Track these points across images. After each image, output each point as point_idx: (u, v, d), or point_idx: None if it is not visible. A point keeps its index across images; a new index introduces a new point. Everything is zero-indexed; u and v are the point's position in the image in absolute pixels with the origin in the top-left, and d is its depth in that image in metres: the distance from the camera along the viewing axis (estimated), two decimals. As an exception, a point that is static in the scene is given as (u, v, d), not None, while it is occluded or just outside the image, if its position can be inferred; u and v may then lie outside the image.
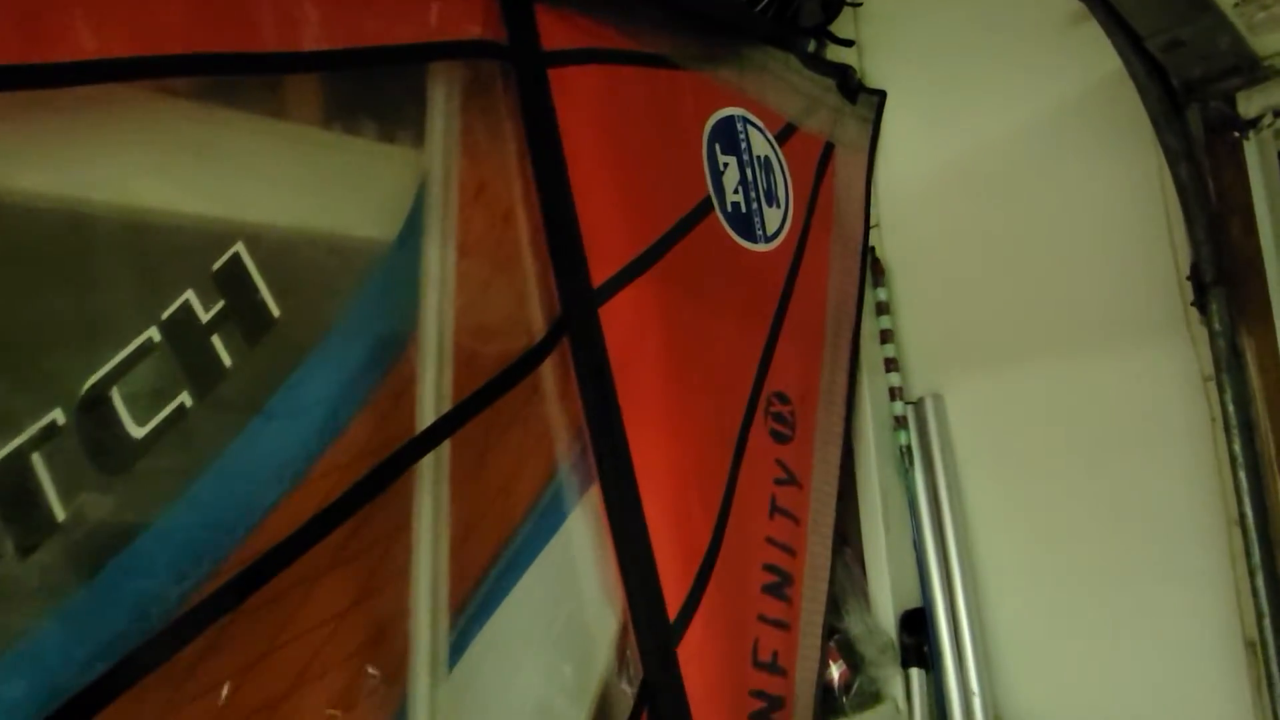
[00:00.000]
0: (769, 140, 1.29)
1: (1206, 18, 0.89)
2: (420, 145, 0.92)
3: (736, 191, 1.21)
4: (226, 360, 0.74)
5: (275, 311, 0.78)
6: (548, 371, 0.97)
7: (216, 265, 0.76)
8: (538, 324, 0.97)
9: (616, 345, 1.01)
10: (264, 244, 0.78)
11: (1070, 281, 1.26)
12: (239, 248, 0.77)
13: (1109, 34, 0.95)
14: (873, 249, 1.44)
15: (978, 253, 1.36)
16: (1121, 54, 0.97)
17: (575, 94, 1.02)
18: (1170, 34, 0.92)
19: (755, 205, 1.24)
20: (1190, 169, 1.01)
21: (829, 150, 1.40)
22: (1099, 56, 1.23)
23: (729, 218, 1.19)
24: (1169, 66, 0.97)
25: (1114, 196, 1.23)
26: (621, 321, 1.02)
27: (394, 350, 0.86)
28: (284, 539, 0.75)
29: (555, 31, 1.02)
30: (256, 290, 0.77)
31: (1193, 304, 1.06)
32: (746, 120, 1.25)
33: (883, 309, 1.41)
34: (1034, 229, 1.31)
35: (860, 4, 1.48)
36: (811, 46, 1.44)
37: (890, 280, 1.44)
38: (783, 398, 1.21)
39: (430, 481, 0.87)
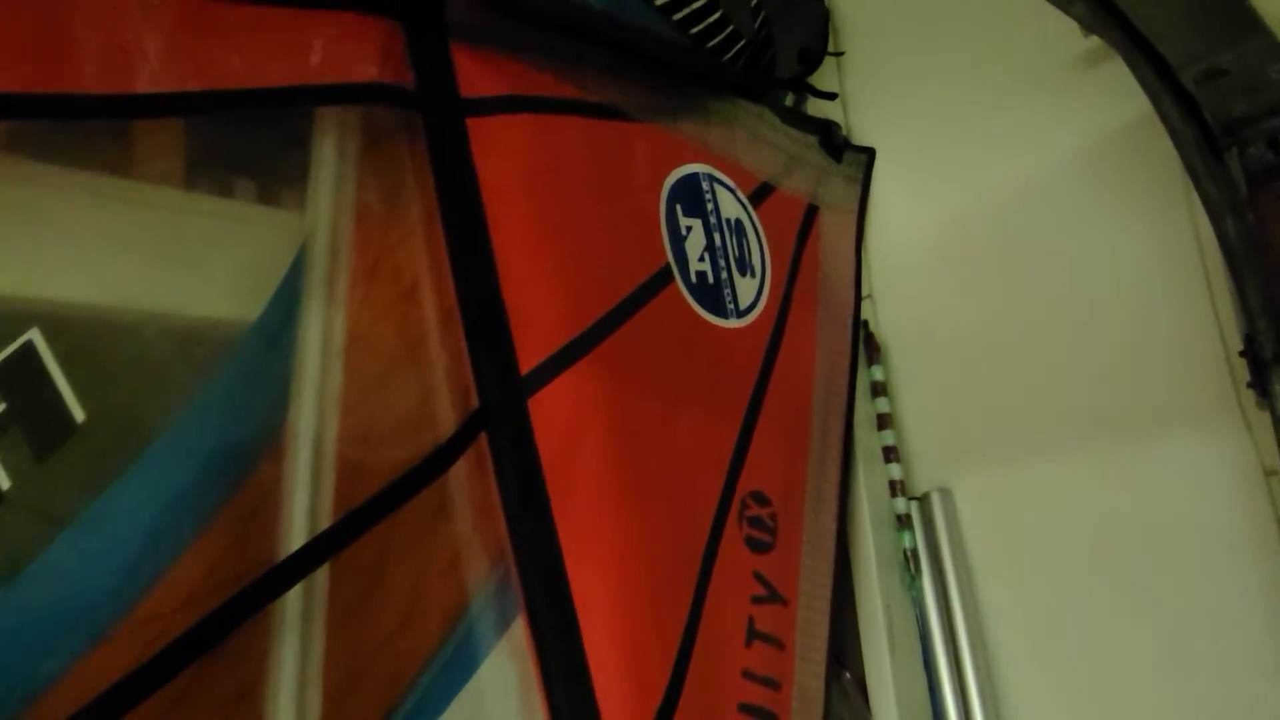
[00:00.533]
0: (741, 201, 1.13)
1: (1255, 39, 0.73)
2: (304, 208, 0.76)
3: (702, 259, 1.05)
4: (3, 481, 0.57)
5: (78, 415, 0.60)
6: (460, 478, 0.79)
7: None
8: (447, 421, 0.79)
9: (550, 443, 0.83)
10: (70, 329, 0.61)
11: (1096, 358, 1.08)
12: (33, 334, 0.60)
13: (1132, 65, 0.79)
14: (865, 323, 1.26)
15: (987, 326, 1.19)
16: (1148, 89, 0.81)
17: (500, 148, 0.87)
18: (1209, 61, 0.76)
19: (725, 275, 1.07)
20: (1239, 225, 0.84)
21: (812, 213, 1.24)
22: (1116, 101, 1.07)
23: (693, 289, 1.02)
24: (1205, 102, 0.81)
25: (1143, 259, 1.06)
26: (556, 414, 0.84)
27: (250, 458, 0.69)
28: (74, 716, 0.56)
29: (477, 76, 0.87)
30: (52, 388, 0.60)
31: (1249, 385, 0.88)
32: (713, 178, 1.10)
33: (879, 390, 1.23)
34: (1051, 299, 1.13)
35: (842, 54, 1.34)
36: (790, 100, 1.29)
37: (887, 358, 1.26)
38: (761, 499, 1.02)
39: (296, 625, 0.68)
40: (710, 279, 1.05)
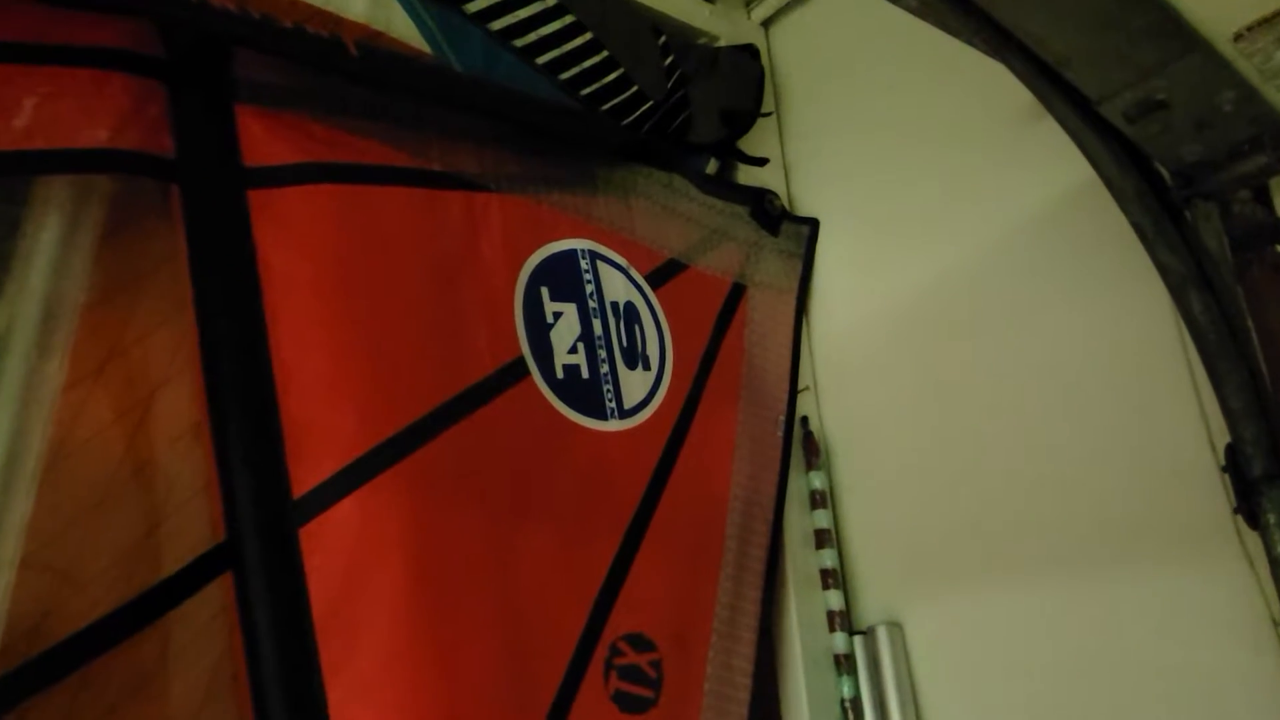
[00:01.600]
0: (635, 281, 0.97)
1: (1192, 59, 0.55)
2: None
3: (574, 350, 0.88)
4: None
5: None
6: (185, 634, 0.63)
7: None
8: (176, 558, 0.63)
9: (327, 583, 0.67)
10: None
11: (1070, 465, 0.88)
12: None
13: (1044, 101, 0.61)
14: (804, 420, 1.08)
15: (945, 424, 0.99)
16: (1070, 132, 0.63)
17: (290, 225, 0.73)
18: (1139, 90, 0.58)
19: (605, 369, 0.90)
20: (1204, 299, 0.64)
21: (737, 293, 1.07)
22: (1074, 155, 0.89)
23: (557, 386, 0.85)
24: (1146, 145, 0.63)
25: (1118, 342, 0.86)
26: (339, 546, 0.68)
27: None
28: None
29: (269, 141, 0.74)
30: None
31: (1235, 511, 0.67)
32: (597, 255, 0.94)
33: (819, 501, 1.04)
34: (1017, 392, 0.94)
35: (769, 114, 1.19)
36: (713, 167, 1.14)
37: (829, 461, 1.07)
38: (640, 642, 0.83)
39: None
40: (584, 373, 0.88)
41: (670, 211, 1.04)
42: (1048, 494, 0.89)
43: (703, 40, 1.20)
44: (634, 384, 0.92)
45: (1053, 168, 0.92)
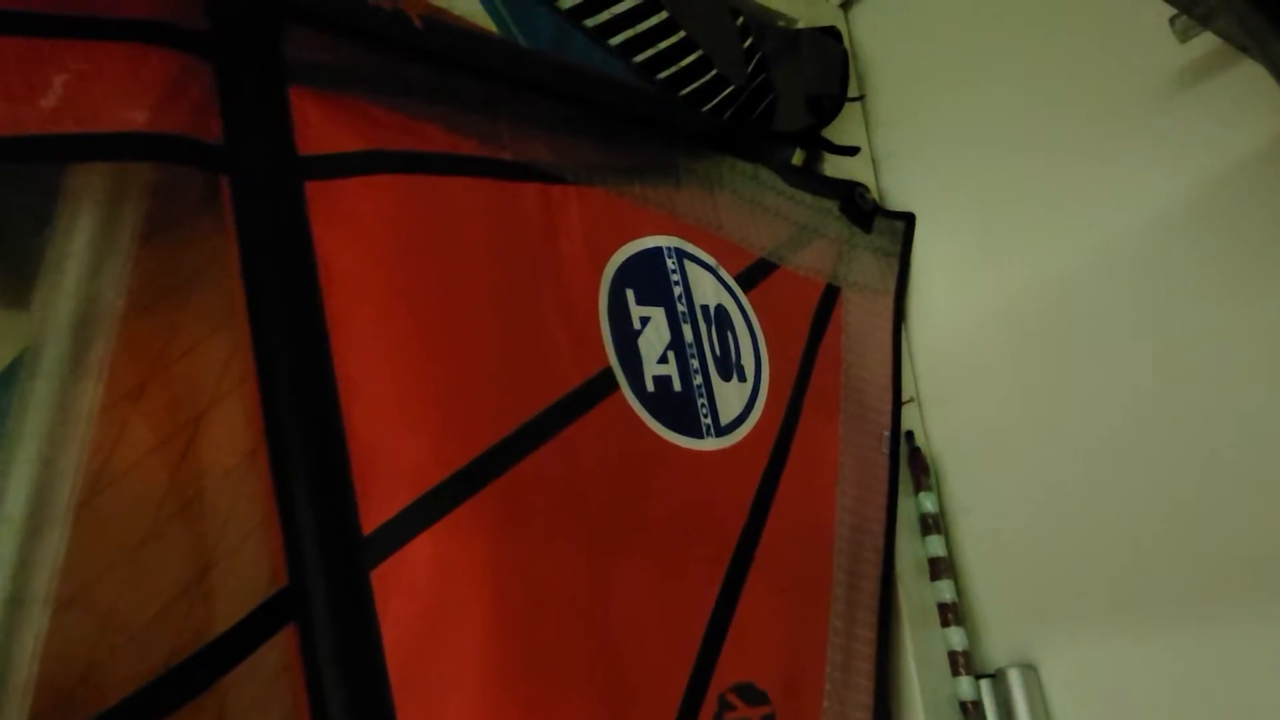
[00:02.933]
0: (725, 283, 0.87)
1: None
2: (29, 303, 0.54)
3: (664, 360, 0.78)
4: None
5: None
6: (245, 697, 0.53)
7: None
8: (233, 609, 0.54)
9: (403, 633, 0.57)
10: None
11: (1235, 485, 0.76)
12: None
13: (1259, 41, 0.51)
14: (909, 435, 0.97)
15: (1076, 438, 0.88)
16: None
17: (352, 220, 0.64)
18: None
19: (699, 380, 0.80)
20: None
21: (831, 295, 0.97)
22: (1227, 128, 0.78)
23: (649, 400, 0.76)
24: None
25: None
26: (415, 589, 0.58)
27: None
28: None
29: (326, 127, 0.65)
30: None
31: None
32: (684, 254, 0.84)
33: (930, 525, 0.93)
34: (1167, 401, 0.82)
35: (862, 98, 1.09)
36: (799, 158, 1.03)
37: (939, 482, 0.96)
38: (751, 694, 0.73)
39: None
40: (676, 386, 0.78)
41: (758, 206, 0.94)
42: (1208, 519, 0.78)
43: (781, 23, 1.10)
44: (730, 397, 0.82)
45: (1199, 146, 0.81)
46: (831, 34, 1.10)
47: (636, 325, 0.77)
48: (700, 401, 0.79)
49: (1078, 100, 0.93)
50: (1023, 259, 0.95)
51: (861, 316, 0.99)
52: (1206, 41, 0.78)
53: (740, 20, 1.00)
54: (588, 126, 0.81)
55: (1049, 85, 0.96)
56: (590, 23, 0.85)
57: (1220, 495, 0.77)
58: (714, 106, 0.94)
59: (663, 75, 0.91)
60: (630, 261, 0.79)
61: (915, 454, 0.96)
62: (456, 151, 0.71)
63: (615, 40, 0.87)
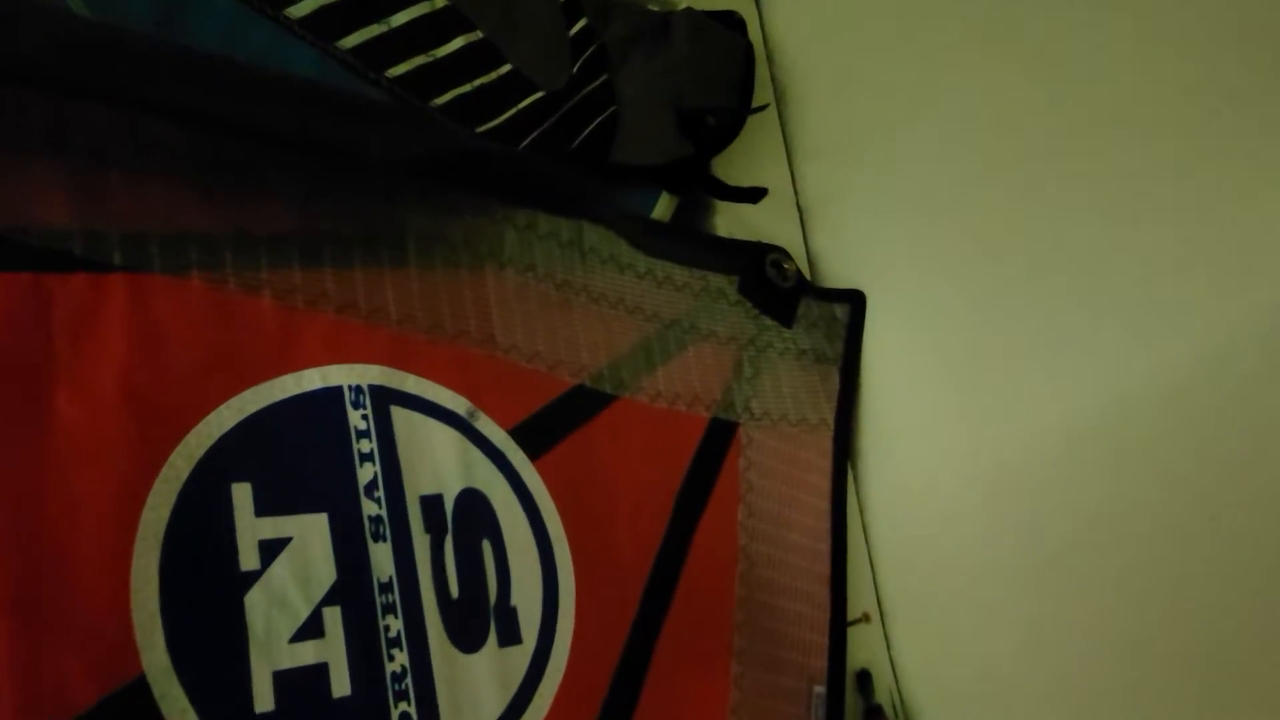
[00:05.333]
0: (487, 446, 0.46)
1: None
2: None
3: (312, 630, 0.37)
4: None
5: None
6: None
7: None
8: None
9: None
10: None
11: None
12: None
13: None
14: (864, 679, 0.55)
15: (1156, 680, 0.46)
16: None
17: None
18: None
19: (400, 665, 0.39)
20: None
21: (720, 436, 0.56)
22: None
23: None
24: None
25: None
26: None
27: None
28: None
29: None
30: None
31: None
32: (389, 397, 0.43)
33: None
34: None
35: (764, 108, 0.70)
36: (665, 207, 0.63)
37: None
38: None
39: None
40: (336, 688, 0.37)
41: (580, 294, 0.54)
42: None
43: (652, 4, 0.72)
44: (480, 687, 0.40)
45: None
46: (728, 20, 0.71)
47: (248, 563, 0.37)
48: (399, 714, 0.38)
49: (1102, 102, 0.53)
50: (1040, 368, 0.54)
51: (774, 473, 0.58)
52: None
53: (564, -10, 0.61)
54: (196, 164, 0.42)
55: (1057, 85, 0.56)
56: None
57: None
58: (503, 125, 0.54)
59: (394, 72, 0.52)
60: (251, 425, 0.39)
61: (874, 715, 0.54)
62: None
63: (297, 13, 0.49)
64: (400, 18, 0.52)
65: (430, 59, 0.53)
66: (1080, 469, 0.51)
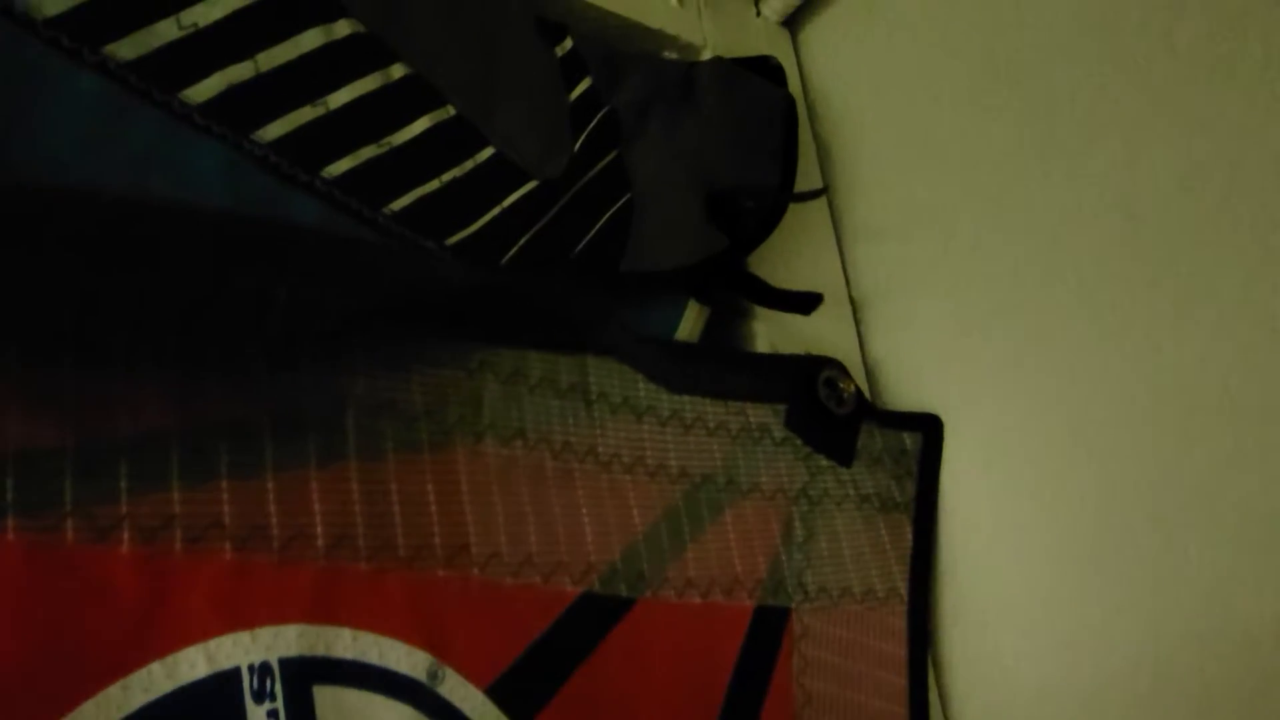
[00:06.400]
0: (452, 713, 0.33)
1: None
2: None
3: None
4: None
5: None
6: None
7: None
8: None
9: None
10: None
11: None
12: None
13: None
14: None
15: None
16: None
17: None
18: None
19: None
20: None
21: (769, 628, 0.43)
22: None
23: None
24: None
25: None
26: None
27: None
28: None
29: None
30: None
31: None
32: (312, 671, 0.30)
33: None
34: None
35: (821, 193, 0.56)
36: (693, 321, 0.50)
37: None
38: None
39: None
40: None
41: (584, 461, 0.40)
42: None
43: (668, 53, 0.58)
44: None
45: None
46: (762, 67, 0.57)
47: None
48: None
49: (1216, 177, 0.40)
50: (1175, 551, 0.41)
51: (836, 673, 0.44)
52: None
53: (565, 46, 0.48)
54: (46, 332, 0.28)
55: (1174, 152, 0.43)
56: (128, 54, 0.34)
57: None
58: (485, 229, 0.41)
59: (336, 170, 0.38)
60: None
61: None
62: None
63: (201, 98, 0.36)
64: (341, 96, 0.39)
65: (382, 149, 0.39)
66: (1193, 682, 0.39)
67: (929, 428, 0.52)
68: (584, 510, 0.39)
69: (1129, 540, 0.44)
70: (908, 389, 0.55)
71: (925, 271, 0.54)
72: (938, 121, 0.54)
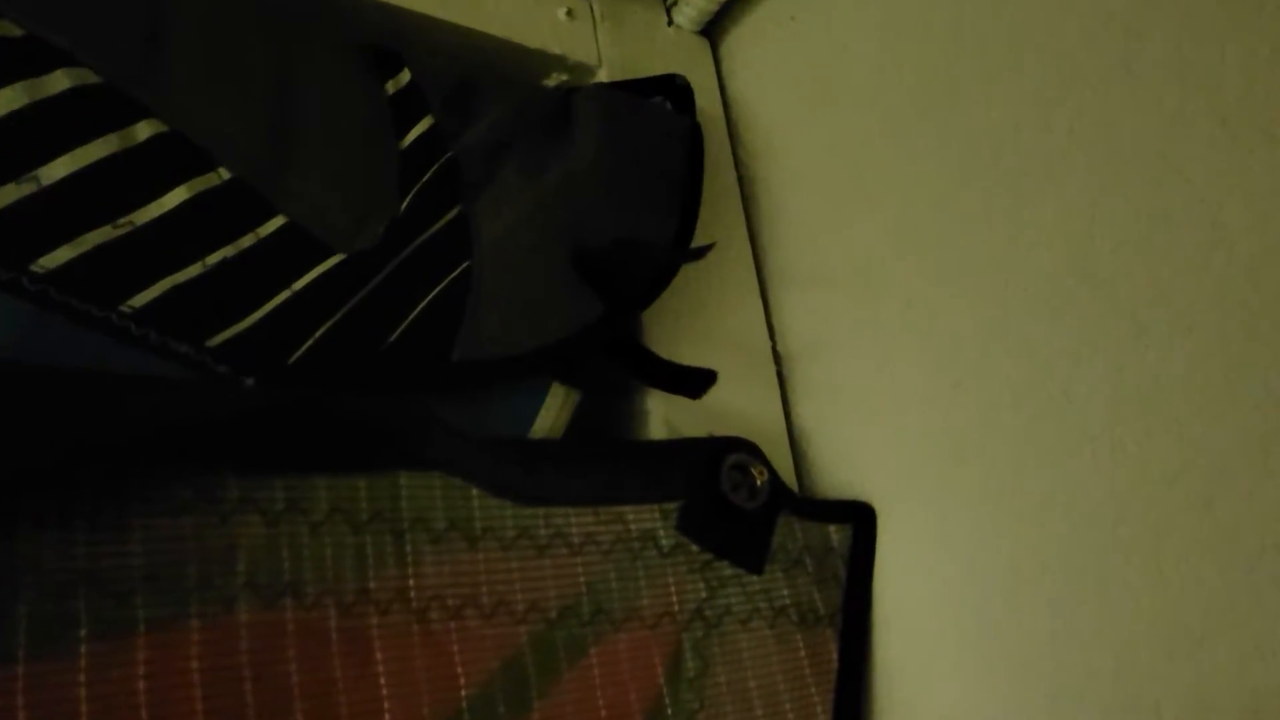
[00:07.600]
0: None
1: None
2: None
3: None
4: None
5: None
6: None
7: None
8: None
9: None
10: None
11: None
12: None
13: None
14: None
15: None
16: None
17: None
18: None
19: None
20: None
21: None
22: None
23: None
24: None
25: None
26: None
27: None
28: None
29: None
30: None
31: None
32: None
33: None
34: None
35: (710, 249, 0.47)
36: (559, 406, 0.41)
37: None
38: None
39: None
40: None
41: (388, 615, 0.32)
42: None
43: (558, 76, 0.49)
44: None
45: None
46: (666, 87, 0.48)
47: None
48: None
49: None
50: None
51: None
52: None
53: (402, 80, 0.40)
54: None
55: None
56: None
57: None
58: (265, 321, 0.33)
59: (52, 262, 0.30)
60: None
61: None
62: None
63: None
64: (57, 168, 0.30)
65: (120, 231, 0.31)
66: None
67: (860, 519, 0.43)
68: (382, 681, 0.31)
69: (1089, 671, 0.35)
70: (842, 467, 0.46)
71: (855, 330, 0.45)
72: (869, 149, 0.45)
